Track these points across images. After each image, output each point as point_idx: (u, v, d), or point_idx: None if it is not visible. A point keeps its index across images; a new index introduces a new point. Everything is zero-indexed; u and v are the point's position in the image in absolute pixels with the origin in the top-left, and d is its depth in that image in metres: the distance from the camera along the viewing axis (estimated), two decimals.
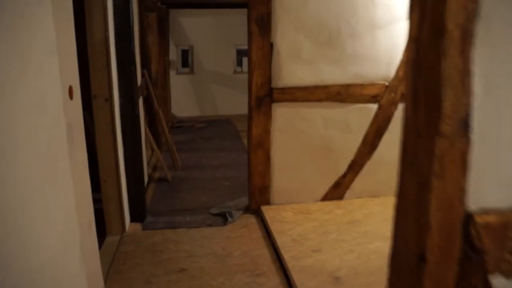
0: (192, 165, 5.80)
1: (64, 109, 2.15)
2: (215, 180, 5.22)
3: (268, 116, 3.96)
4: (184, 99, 9.45)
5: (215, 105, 9.67)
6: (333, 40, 3.92)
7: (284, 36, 3.80)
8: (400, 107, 4.26)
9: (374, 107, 4.21)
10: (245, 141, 6.92)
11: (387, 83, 4.17)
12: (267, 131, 4.00)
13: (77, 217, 2.31)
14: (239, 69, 9.70)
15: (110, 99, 3.45)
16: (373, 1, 3.92)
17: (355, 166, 4.31)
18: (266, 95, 3.90)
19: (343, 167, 4.29)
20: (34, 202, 1.76)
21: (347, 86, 4.06)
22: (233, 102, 9.49)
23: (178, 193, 4.81)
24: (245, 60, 9.56)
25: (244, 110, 8.79)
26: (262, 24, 3.71)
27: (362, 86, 4.11)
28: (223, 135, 7.67)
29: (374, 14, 3.96)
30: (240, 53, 9.60)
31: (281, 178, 4.17)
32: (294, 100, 3.97)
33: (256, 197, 4.18)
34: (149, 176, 5.22)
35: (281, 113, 3.99)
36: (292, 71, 3.90)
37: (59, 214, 2.07)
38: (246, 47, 9.27)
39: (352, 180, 4.34)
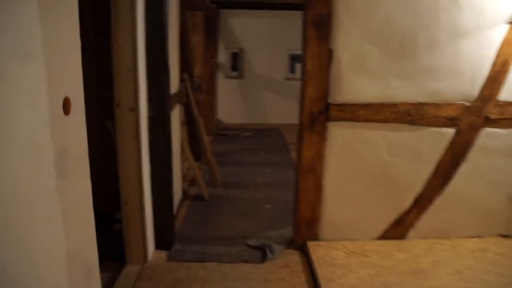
0: (233, 182, 5.23)
1: (53, 130, 1.61)
2: (256, 202, 4.62)
3: (323, 136, 3.32)
4: (231, 105, 8.95)
5: (264, 113, 9.11)
6: (406, 50, 3.23)
7: (347, 42, 3.15)
8: (483, 133, 3.51)
9: (450, 131, 3.48)
10: (294, 155, 6.32)
11: (468, 104, 3.44)
12: (320, 155, 3.36)
13: (66, 268, 1.78)
14: (291, 75, 9.10)
15: (135, 108, 2.93)
16: (458, 4, 3.20)
17: (423, 201, 3.60)
18: (321, 112, 3.27)
19: (407, 202, 3.59)
20: None
21: (420, 105, 3.36)
22: (283, 111, 8.91)
23: (213, 216, 4.24)
24: (298, 66, 8.95)
25: (295, 120, 8.21)
26: (320, 27, 3.08)
27: (437, 105, 3.39)
28: (270, 147, 7.08)
29: (459, 19, 3.23)
30: (293, 59, 9.00)
31: (333, 210, 3.53)
32: (355, 119, 3.31)
33: (303, 230, 3.55)
34: (184, 192, 4.70)
35: (338, 134, 3.34)
36: (354, 84, 3.24)
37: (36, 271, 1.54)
38: (299, 52, 8.77)
39: (417, 217, 3.63)
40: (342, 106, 3.27)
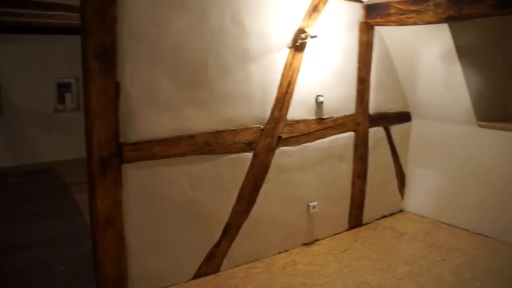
0: (8, 245, 4.27)
1: None
2: (44, 266, 3.80)
3: (118, 182, 2.88)
4: None
5: (33, 152, 7.92)
6: (199, 77, 3.06)
7: (135, 73, 2.79)
8: (277, 152, 3.60)
9: (249, 156, 3.47)
10: (78, 197, 5.61)
11: (262, 126, 3.47)
12: (117, 203, 2.90)
13: None
14: (61, 107, 8.17)
15: None
16: (245, 29, 3.20)
17: (231, 230, 3.51)
18: (113, 155, 2.82)
19: (217, 234, 3.44)
20: None
21: (217, 133, 3.24)
22: (56, 147, 7.90)
23: None
24: (68, 96, 8.12)
25: (71, 155, 7.39)
26: (104, 58, 2.64)
27: (234, 132, 3.33)
28: (47, 192, 6.12)
29: (247, 44, 3.25)
30: (62, 88, 8.10)
31: (142, 261, 3.10)
32: (152, 157, 2.98)
33: None
34: None
35: (136, 176, 2.95)
36: (148, 119, 2.91)
37: None
38: (69, 80, 7.99)
39: (228, 247, 3.52)
40: (137, 144, 2.90)
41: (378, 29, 4.12)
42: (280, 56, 3.42)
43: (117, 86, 2.74)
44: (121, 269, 3.03)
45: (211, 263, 3.44)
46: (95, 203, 2.85)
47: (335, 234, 4.24)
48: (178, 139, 3.06)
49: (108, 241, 2.94)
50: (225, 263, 3.51)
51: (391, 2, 3.73)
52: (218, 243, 3.44)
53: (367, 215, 4.49)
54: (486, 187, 4.15)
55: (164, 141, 3.01)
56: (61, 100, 8.17)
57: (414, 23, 3.64)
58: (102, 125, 2.75)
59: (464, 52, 3.83)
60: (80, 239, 4.15)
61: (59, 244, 4.26)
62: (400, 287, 3.26)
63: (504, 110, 4.34)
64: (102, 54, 2.63)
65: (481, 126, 4.12)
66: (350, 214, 4.34)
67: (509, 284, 3.31)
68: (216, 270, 3.47)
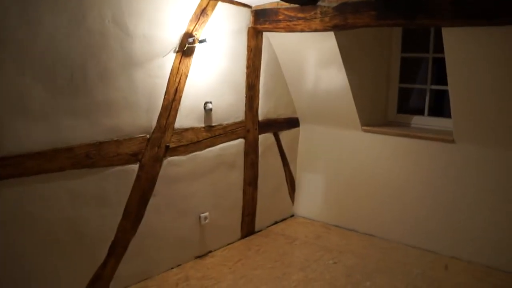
0: None
1: None
2: None
3: None
4: None
5: None
6: (77, 84, 2.76)
7: (1, 80, 2.43)
8: (165, 163, 3.42)
9: (134, 168, 3.24)
10: None
11: (148, 136, 3.26)
12: None
13: None
14: None
15: None
16: (128, 32, 2.96)
17: (117, 248, 3.24)
18: None
19: (102, 254, 3.15)
20: None
21: (99, 144, 2.96)
22: None
23: None
24: None
25: None
26: None
27: (118, 142, 3.08)
28: None
29: (130, 48, 3.01)
30: None
31: None
32: (24, 173, 2.61)
33: None
34: None
35: (4, 196, 2.56)
36: (16, 130, 2.54)
37: None
38: None
39: (115, 267, 3.25)
40: (4, 160, 2.50)
41: (266, 35, 4.12)
42: (167, 61, 3.24)
43: None
44: None
45: (97, 286, 3.14)
46: None
47: (228, 244, 4.15)
48: (55, 152, 2.73)
49: None
50: (113, 284, 3.22)
51: (279, 8, 3.73)
52: (104, 264, 3.16)
53: (259, 223, 4.47)
54: (371, 188, 4.36)
55: (39, 154, 2.66)
56: None
57: (302, 30, 3.68)
58: None
59: (348, 59, 3.96)
60: None
61: None
62: None
63: (385, 115, 4.60)
64: None
65: (365, 130, 4.31)
66: (243, 222, 4.28)
67: (396, 281, 3.47)
68: None
